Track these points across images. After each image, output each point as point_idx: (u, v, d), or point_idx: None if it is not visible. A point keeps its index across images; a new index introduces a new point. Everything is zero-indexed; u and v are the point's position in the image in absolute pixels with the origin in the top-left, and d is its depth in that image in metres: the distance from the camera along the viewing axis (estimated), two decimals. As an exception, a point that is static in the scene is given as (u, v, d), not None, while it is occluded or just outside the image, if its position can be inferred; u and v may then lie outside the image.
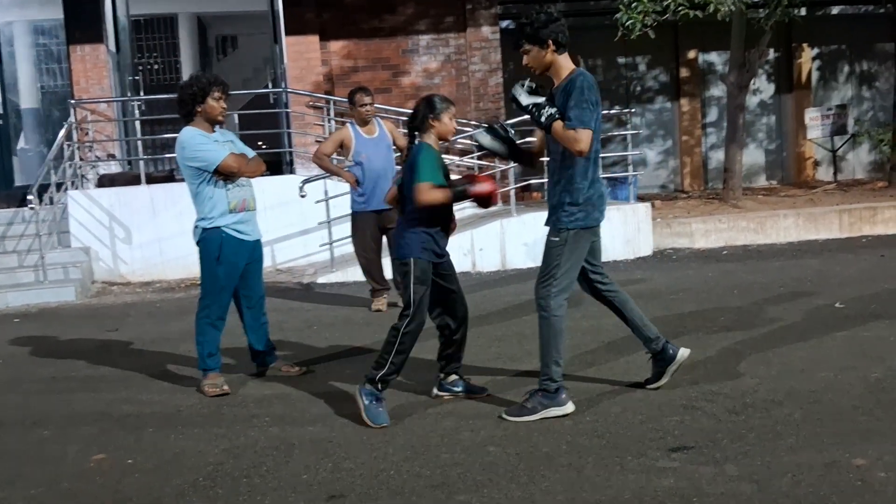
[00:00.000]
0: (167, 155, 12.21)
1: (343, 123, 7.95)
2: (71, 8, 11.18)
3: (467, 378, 4.72)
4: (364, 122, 7.17)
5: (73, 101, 10.71)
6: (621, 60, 14.12)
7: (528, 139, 4.64)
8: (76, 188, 10.09)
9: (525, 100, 4.16)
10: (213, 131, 5.09)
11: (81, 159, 10.57)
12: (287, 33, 11.36)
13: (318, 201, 8.99)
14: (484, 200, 4.41)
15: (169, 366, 5.80)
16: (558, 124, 4.11)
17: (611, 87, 14.00)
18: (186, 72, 17.54)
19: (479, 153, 10.28)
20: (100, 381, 5.53)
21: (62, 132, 10.13)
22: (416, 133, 4.49)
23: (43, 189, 9.68)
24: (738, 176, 11.73)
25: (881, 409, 4.10)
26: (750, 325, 5.95)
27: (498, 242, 9.42)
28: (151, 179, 10.52)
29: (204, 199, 5.01)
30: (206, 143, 4.97)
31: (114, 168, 11.30)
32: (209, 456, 4.01)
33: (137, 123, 11.32)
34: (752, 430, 3.91)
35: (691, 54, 14.14)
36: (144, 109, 11.75)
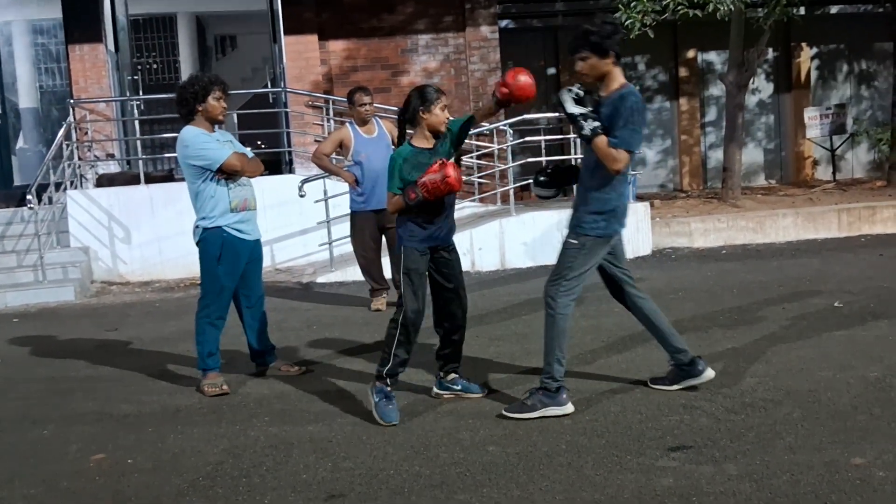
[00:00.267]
0: (166, 154, 12.23)
1: (342, 123, 7.95)
2: (70, 7, 11.17)
3: (467, 377, 4.72)
4: (363, 122, 7.16)
5: (71, 101, 10.70)
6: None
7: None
8: (75, 188, 10.09)
9: (571, 108, 4.15)
10: (214, 131, 5.09)
11: (80, 159, 10.57)
12: (286, 33, 11.36)
13: (317, 201, 8.99)
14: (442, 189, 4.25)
15: (168, 365, 5.80)
16: (601, 139, 4.11)
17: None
18: (185, 71, 17.54)
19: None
20: (99, 380, 5.53)
21: (61, 132, 10.13)
22: (409, 126, 4.48)
23: (42, 189, 9.68)
24: (737, 175, 11.73)
25: (880, 408, 4.10)
26: (749, 325, 5.96)
27: (497, 242, 9.42)
28: (150, 179, 10.52)
29: (205, 199, 5.00)
30: (210, 142, 4.98)
31: (113, 168, 11.29)
32: (209, 455, 4.01)
33: (136, 123, 11.32)
34: (752, 429, 3.92)
35: (690, 54, 14.14)
36: (143, 109, 11.75)
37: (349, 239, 7.51)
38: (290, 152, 11.39)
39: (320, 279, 9.05)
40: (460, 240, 9.10)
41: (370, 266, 7.29)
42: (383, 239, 7.24)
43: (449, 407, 4.50)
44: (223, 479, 3.72)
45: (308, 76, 11.41)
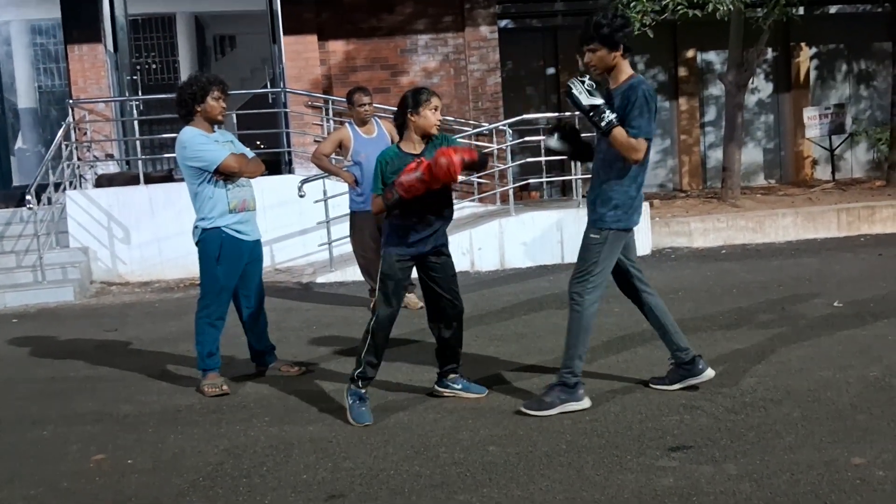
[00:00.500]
0: (165, 155, 12.21)
1: (342, 123, 7.95)
2: (68, 7, 11.16)
3: (467, 377, 4.72)
4: (363, 122, 7.16)
5: (70, 101, 10.70)
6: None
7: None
8: (74, 188, 10.08)
9: (585, 100, 4.13)
10: (213, 131, 5.09)
11: (79, 159, 10.56)
12: (285, 33, 11.36)
13: (316, 201, 8.99)
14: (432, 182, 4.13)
15: (168, 366, 5.80)
16: (619, 131, 4.12)
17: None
18: (185, 71, 17.53)
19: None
20: (99, 381, 5.53)
21: (60, 132, 10.12)
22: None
23: (41, 189, 9.68)
24: (737, 175, 11.73)
25: (879, 407, 4.11)
26: (748, 325, 5.96)
27: (496, 242, 9.42)
28: (150, 179, 10.51)
29: (204, 199, 5.00)
30: (207, 143, 4.97)
31: (112, 168, 11.29)
32: (209, 456, 4.01)
33: (136, 123, 11.32)
34: (751, 429, 3.92)
35: (689, 53, 14.14)
36: (142, 109, 11.74)
37: (349, 239, 7.50)
38: (289, 152, 11.38)
39: (320, 279, 9.05)
40: (460, 240, 9.18)
41: (369, 266, 7.27)
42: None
43: (449, 407, 4.50)
44: (223, 479, 3.72)
45: (307, 76, 11.41)
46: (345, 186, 7.52)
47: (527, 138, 10.45)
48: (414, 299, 7.23)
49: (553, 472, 3.55)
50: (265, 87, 15.79)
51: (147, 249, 9.90)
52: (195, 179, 5.00)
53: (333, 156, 7.45)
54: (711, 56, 14.35)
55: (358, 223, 7.19)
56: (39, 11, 16.44)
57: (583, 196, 9.53)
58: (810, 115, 13.75)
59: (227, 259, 5.04)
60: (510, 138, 10.07)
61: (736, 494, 3.24)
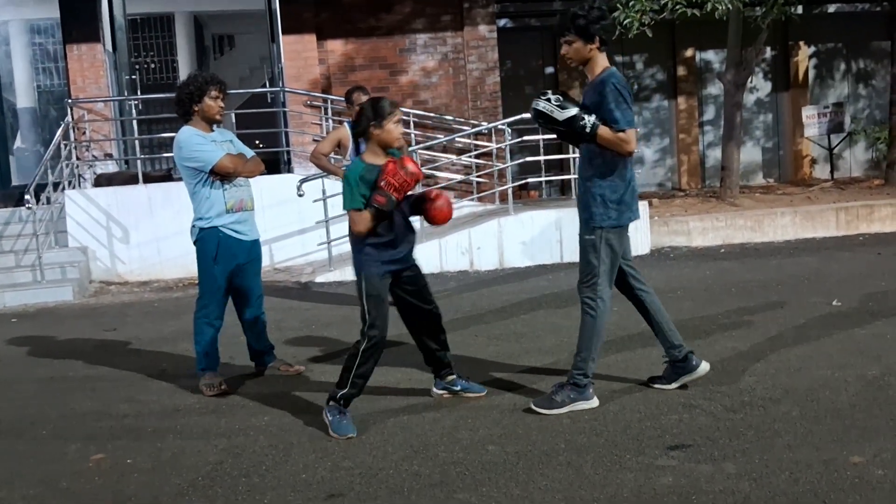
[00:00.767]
0: (164, 154, 12.22)
1: (340, 122, 7.94)
2: (67, 7, 11.16)
3: (466, 377, 4.72)
4: (362, 122, 7.15)
5: (69, 101, 10.69)
6: (618, 59, 14.12)
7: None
8: (73, 188, 10.08)
9: (560, 114, 4.07)
10: (212, 130, 5.09)
11: (78, 159, 10.56)
12: (284, 32, 11.35)
13: (315, 200, 9.00)
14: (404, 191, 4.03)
15: (167, 365, 5.80)
16: (604, 130, 4.09)
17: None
18: (183, 71, 17.54)
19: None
20: (98, 380, 5.53)
21: (59, 131, 10.12)
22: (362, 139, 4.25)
23: (40, 189, 9.68)
24: (736, 174, 11.74)
25: (878, 406, 4.11)
26: (747, 324, 5.96)
27: (496, 241, 9.42)
28: (149, 179, 10.51)
29: (201, 199, 5.01)
30: (203, 144, 4.97)
31: (111, 167, 11.28)
32: (208, 455, 4.01)
33: (134, 123, 11.31)
34: (750, 428, 3.92)
35: (688, 52, 14.14)
36: (141, 109, 11.74)
37: (347, 238, 7.49)
38: (288, 152, 11.39)
39: (319, 279, 9.05)
40: (459, 239, 9.20)
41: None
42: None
43: (448, 406, 4.50)
44: (223, 478, 3.72)
45: (306, 76, 11.41)
46: (344, 186, 7.52)
47: (526, 137, 10.44)
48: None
49: (552, 471, 3.56)
50: (264, 86, 15.80)
51: (146, 249, 9.90)
52: (192, 179, 5.00)
53: (332, 155, 7.45)
54: (710, 55, 14.35)
55: (357, 222, 7.19)
56: (38, 11, 16.46)
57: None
58: (809, 114, 13.75)
59: (225, 259, 5.04)
60: (509, 137, 10.07)
61: (735, 493, 3.24)
